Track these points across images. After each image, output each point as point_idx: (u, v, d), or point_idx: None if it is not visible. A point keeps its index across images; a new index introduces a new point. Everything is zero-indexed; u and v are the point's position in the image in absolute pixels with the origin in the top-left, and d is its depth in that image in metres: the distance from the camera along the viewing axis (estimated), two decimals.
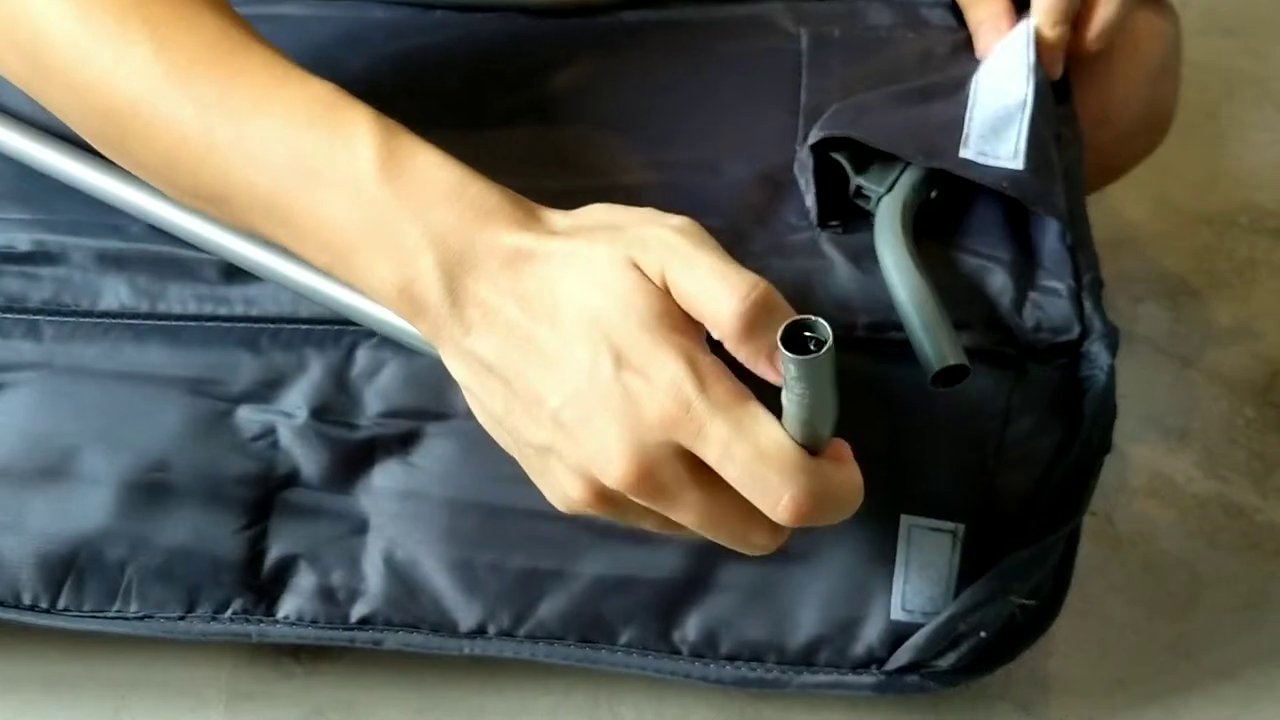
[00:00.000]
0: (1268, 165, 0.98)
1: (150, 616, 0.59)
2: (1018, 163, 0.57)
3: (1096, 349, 0.55)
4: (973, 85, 0.61)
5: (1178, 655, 0.68)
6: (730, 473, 0.44)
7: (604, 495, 0.46)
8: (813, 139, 0.57)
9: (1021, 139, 0.58)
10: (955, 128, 0.58)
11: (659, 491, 0.45)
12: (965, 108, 0.60)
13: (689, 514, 0.46)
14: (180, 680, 0.65)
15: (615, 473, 0.45)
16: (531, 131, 0.63)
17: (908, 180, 0.57)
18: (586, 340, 0.45)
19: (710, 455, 0.44)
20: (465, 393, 0.50)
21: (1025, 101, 0.59)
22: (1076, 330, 0.55)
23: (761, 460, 0.44)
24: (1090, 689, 0.66)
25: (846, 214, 0.57)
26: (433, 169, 0.48)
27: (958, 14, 0.67)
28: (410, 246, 0.47)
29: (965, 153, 0.57)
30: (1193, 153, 0.96)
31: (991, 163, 0.57)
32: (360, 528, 0.58)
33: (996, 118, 0.59)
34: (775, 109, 0.63)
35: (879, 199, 0.56)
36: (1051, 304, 0.55)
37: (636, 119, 0.63)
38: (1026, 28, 0.63)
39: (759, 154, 0.61)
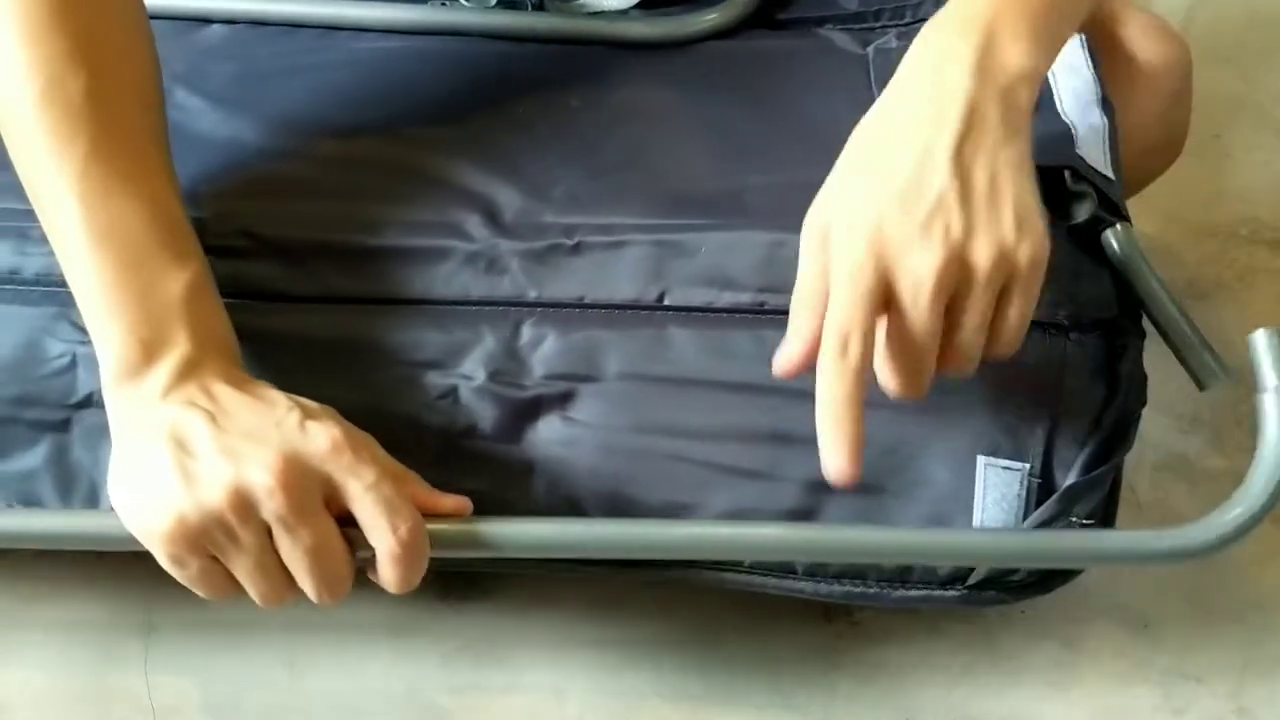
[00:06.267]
0: (1266, 183, 1.05)
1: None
2: (1109, 172, 0.64)
3: (1129, 323, 0.64)
4: (1056, 100, 0.67)
5: (1193, 604, 0.76)
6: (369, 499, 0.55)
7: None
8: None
9: (1108, 155, 0.65)
10: (1065, 136, 0.64)
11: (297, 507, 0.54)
12: (1060, 116, 0.66)
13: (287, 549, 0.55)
14: (345, 622, 0.72)
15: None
16: (633, 146, 0.69)
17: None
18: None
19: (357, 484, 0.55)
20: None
21: (1104, 125, 0.66)
22: (1115, 308, 0.64)
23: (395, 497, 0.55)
24: (1120, 629, 0.74)
25: None
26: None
27: None
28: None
29: (1081, 152, 0.63)
30: (1199, 172, 1.01)
31: (1095, 166, 0.63)
32: (526, 470, 0.64)
33: (1087, 127, 0.65)
34: (850, 123, 0.68)
35: (1107, 225, 0.63)
36: (1097, 286, 0.64)
37: (729, 135, 0.70)
38: (1083, 58, 0.69)
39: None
